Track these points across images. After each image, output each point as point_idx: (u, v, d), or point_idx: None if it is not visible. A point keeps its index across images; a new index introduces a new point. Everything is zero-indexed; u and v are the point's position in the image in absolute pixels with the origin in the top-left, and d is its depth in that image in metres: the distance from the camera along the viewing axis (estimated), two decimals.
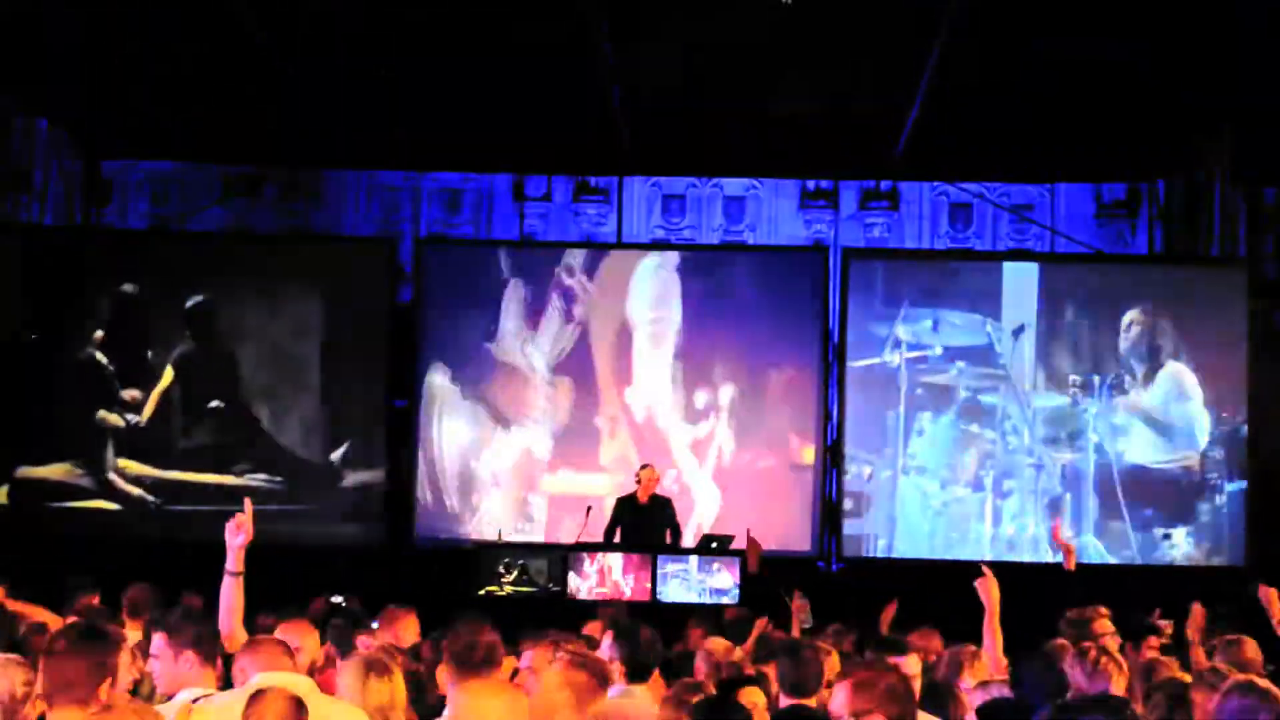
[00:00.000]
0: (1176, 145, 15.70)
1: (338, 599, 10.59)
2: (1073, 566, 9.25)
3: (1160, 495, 14.20)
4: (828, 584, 13.74)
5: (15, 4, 13.01)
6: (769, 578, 11.83)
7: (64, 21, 13.29)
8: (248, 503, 6.48)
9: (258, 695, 4.59)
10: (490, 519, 14.57)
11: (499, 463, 14.76)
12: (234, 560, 6.35)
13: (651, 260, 14.73)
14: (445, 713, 5.13)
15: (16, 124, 15.70)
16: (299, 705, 4.59)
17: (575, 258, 14.90)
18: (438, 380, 14.76)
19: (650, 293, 14.61)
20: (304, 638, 6.36)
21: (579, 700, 4.88)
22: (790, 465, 14.55)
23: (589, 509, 13.27)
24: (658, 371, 14.55)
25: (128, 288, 14.87)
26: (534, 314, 14.74)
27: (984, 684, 6.25)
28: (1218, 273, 14.89)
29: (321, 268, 15.18)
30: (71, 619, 6.70)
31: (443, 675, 5.83)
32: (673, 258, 14.80)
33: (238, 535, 6.38)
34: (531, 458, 14.73)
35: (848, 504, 14.28)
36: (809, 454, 14.52)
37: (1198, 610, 8.12)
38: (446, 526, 14.84)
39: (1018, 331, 14.35)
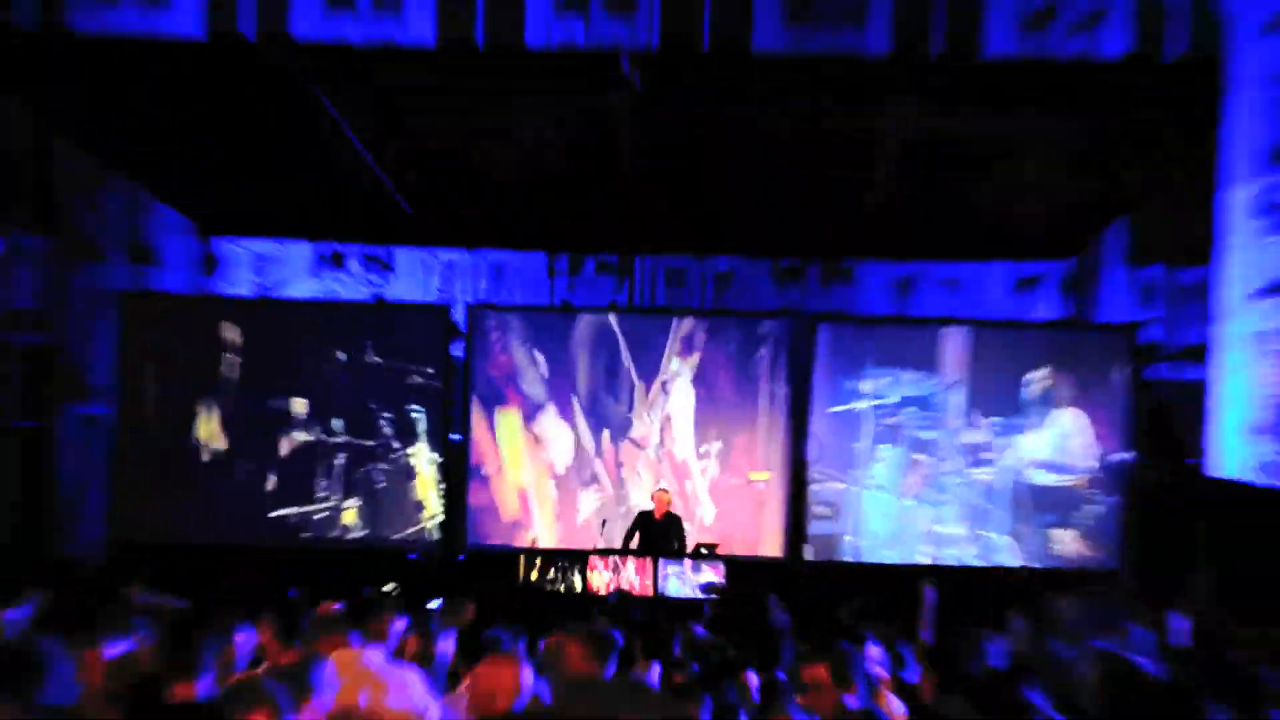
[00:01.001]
0: (1083, 232, 16.60)
1: (389, 588, 11.20)
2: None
3: (1055, 506, 15.33)
4: (795, 581, 14.66)
5: (145, 112, 13.50)
6: (746, 577, 12.96)
7: (181, 124, 13.87)
8: None
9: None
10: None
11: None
12: None
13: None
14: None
15: (144, 207, 16.24)
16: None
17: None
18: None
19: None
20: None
21: (575, 674, 5.05)
22: (748, 483, 15.87)
23: (604, 522, 14.53)
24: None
25: (235, 344, 15.19)
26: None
27: None
28: (1108, 336, 15.63)
29: (389, 328, 15.58)
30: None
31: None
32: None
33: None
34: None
35: (826, 510, 15.33)
36: (756, 475, 15.81)
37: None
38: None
39: (950, 386, 15.48)
